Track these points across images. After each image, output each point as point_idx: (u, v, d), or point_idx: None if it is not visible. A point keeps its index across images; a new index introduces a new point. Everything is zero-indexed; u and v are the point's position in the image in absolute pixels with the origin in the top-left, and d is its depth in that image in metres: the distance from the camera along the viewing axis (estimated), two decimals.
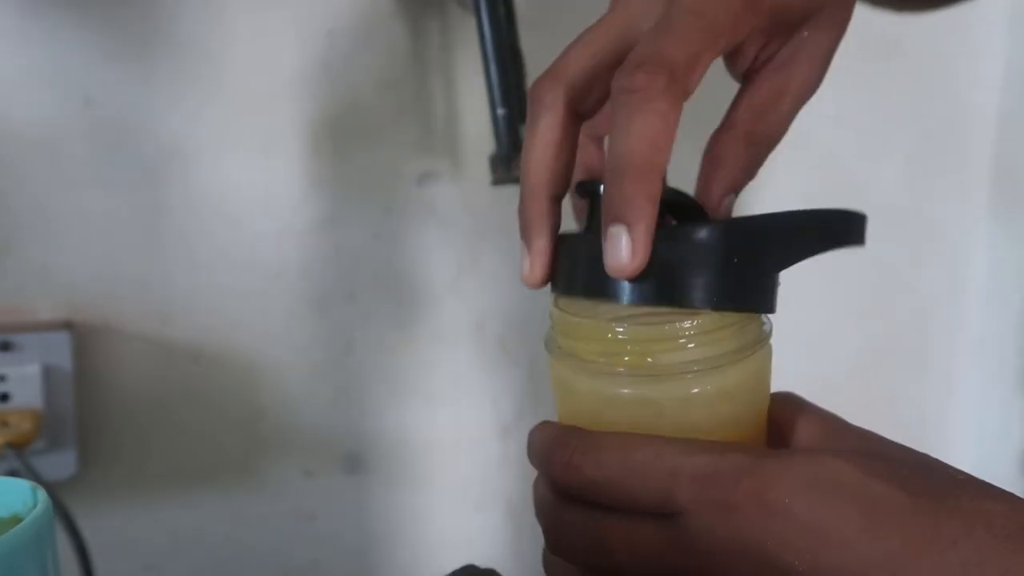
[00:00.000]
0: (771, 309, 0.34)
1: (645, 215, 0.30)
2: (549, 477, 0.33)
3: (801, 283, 1.07)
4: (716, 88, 0.38)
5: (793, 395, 0.37)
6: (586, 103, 0.35)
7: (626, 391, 0.33)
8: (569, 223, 0.37)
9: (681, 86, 0.31)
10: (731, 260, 0.32)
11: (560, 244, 0.35)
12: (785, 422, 0.36)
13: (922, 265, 1.08)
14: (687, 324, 0.32)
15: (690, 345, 0.32)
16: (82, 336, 0.76)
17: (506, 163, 0.73)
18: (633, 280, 0.32)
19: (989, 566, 0.26)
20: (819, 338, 1.02)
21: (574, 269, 0.34)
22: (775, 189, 0.87)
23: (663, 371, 0.33)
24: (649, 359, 0.33)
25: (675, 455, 0.31)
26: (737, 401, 0.34)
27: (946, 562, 0.26)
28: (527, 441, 0.35)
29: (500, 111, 0.73)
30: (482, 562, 0.51)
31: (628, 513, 0.32)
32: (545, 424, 0.35)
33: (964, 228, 1.08)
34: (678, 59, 0.31)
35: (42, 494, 0.34)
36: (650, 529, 0.31)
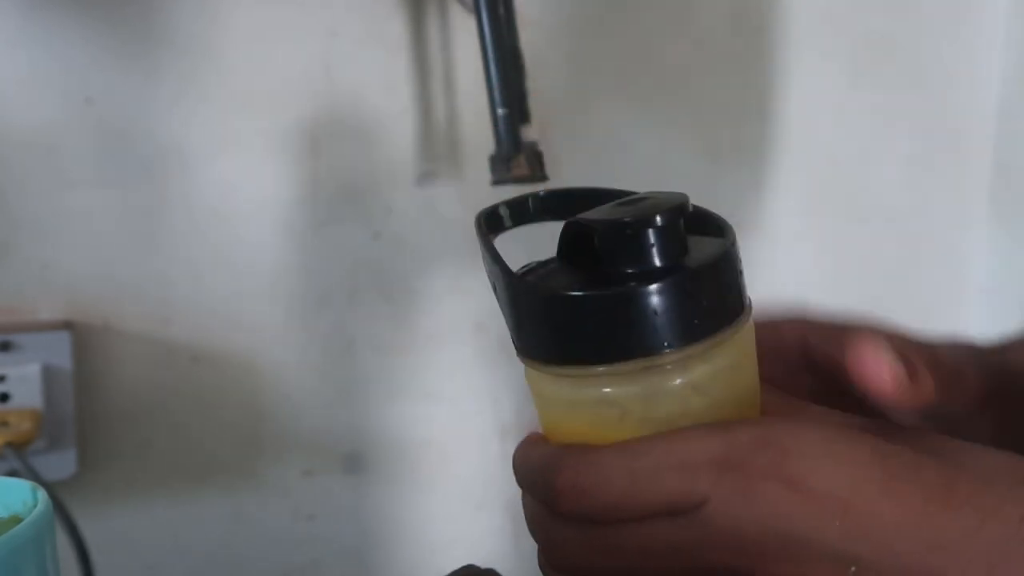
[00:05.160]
0: (743, 307, 0.31)
1: None
2: (555, 507, 0.31)
3: (801, 283, 1.06)
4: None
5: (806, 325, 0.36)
6: None
7: (588, 391, 0.30)
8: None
9: None
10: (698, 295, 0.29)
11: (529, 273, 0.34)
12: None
13: (922, 265, 1.08)
14: None
15: None
16: (82, 336, 0.76)
17: (506, 163, 0.73)
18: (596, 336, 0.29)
19: (1008, 509, 0.27)
20: None
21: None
22: (776, 189, 0.86)
23: (621, 368, 0.29)
24: None
25: (683, 445, 0.29)
26: (711, 392, 0.30)
27: (965, 515, 0.27)
28: (512, 460, 0.33)
29: (500, 111, 0.73)
30: (482, 562, 0.51)
31: (641, 519, 0.30)
32: (528, 443, 0.33)
33: (964, 228, 1.08)
34: None
35: (42, 494, 0.34)
36: (668, 528, 0.29)
